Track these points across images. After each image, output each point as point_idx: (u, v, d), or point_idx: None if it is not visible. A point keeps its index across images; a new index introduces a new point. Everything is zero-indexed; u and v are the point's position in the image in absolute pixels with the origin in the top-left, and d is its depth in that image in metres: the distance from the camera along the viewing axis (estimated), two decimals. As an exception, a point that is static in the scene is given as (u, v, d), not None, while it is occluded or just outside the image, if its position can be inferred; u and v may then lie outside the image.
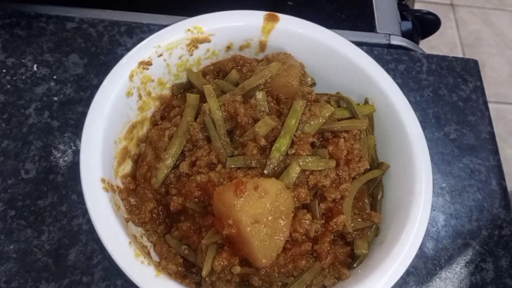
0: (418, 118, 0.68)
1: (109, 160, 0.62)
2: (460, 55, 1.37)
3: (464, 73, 0.92)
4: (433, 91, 0.89)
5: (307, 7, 0.98)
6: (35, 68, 0.81)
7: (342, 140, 0.63)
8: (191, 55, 0.71)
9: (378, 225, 0.65)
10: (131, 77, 0.65)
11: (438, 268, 0.74)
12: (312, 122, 0.63)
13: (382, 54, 0.91)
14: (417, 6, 1.32)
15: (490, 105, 0.90)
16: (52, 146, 0.75)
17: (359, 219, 0.64)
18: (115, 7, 0.90)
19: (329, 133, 0.65)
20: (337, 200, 0.62)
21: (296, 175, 0.59)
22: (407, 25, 1.01)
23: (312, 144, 0.63)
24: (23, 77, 0.80)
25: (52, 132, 0.76)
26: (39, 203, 0.70)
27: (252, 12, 0.71)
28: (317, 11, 0.98)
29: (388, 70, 0.89)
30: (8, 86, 0.79)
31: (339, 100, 0.70)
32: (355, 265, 0.62)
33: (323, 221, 0.61)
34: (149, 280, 0.54)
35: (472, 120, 0.87)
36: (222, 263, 0.56)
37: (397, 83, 0.71)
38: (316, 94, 0.68)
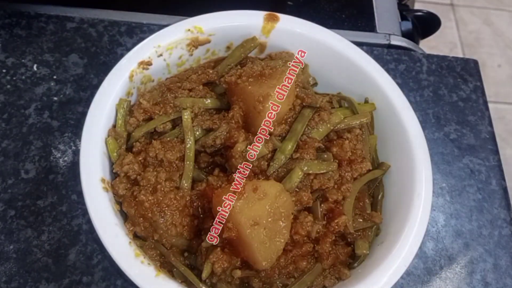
0: (418, 118, 0.68)
1: (109, 160, 0.62)
2: (460, 55, 1.37)
3: (464, 73, 0.92)
4: (433, 91, 0.89)
5: (307, 7, 0.98)
6: (35, 68, 0.81)
7: (347, 142, 0.63)
8: (191, 55, 0.71)
9: (379, 225, 0.65)
10: (131, 77, 0.65)
11: (438, 268, 0.74)
12: (320, 129, 0.63)
13: (382, 54, 0.91)
14: (417, 6, 1.32)
15: (490, 105, 0.90)
16: (52, 146, 0.75)
17: (360, 220, 0.64)
18: (115, 7, 0.90)
19: (333, 134, 0.65)
20: (338, 201, 0.62)
21: (298, 179, 0.59)
22: (407, 25, 1.00)
23: (318, 149, 0.63)
24: (23, 77, 0.80)
25: (52, 132, 0.76)
26: (39, 203, 0.70)
27: (252, 12, 0.71)
28: (317, 11, 0.98)
29: (388, 70, 0.89)
30: (8, 86, 0.79)
31: (340, 100, 0.70)
32: (355, 265, 0.62)
33: (324, 222, 0.61)
34: (149, 280, 0.54)
35: (472, 120, 0.87)
36: (222, 265, 0.56)
37: (397, 83, 0.71)
38: (317, 94, 0.68)
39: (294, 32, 0.71)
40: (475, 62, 0.94)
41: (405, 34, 0.98)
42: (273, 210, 0.54)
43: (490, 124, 0.87)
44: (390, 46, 0.94)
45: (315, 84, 0.74)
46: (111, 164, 0.62)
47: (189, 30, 0.69)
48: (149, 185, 0.59)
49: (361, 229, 0.64)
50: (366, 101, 0.71)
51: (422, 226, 0.60)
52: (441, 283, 0.73)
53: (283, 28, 0.71)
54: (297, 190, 0.60)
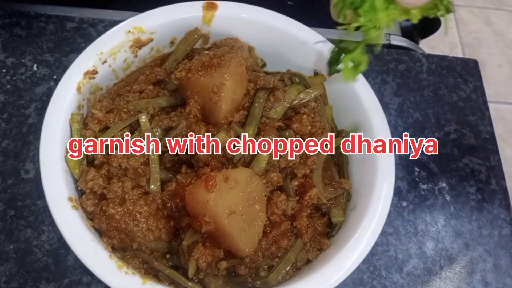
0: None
1: (73, 177, 0.61)
2: (460, 55, 1.37)
3: (464, 73, 0.92)
4: (433, 91, 0.89)
5: (307, 7, 0.98)
6: (35, 68, 0.81)
7: (304, 116, 0.64)
8: (136, 56, 0.70)
9: (349, 191, 0.66)
10: (79, 89, 0.63)
11: (438, 268, 0.74)
12: (277, 108, 0.64)
13: (382, 54, 0.91)
14: (417, 6, 1.31)
15: (490, 105, 0.90)
16: (52, 146, 0.74)
17: (331, 189, 0.65)
18: (115, 7, 0.90)
19: (291, 111, 0.66)
20: (307, 175, 0.63)
21: (265, 161, 0.59)
22: (407, 25, 1.01)
23: (278, 128, 0.64)
24: (23, 77, 0.80)
25: (52, 132, 0.76)
26: (39, 203, 0.70)
27: (190, 3, 0.70)
28: (317, 11, 0.97)
29: (388, 70, 0.89)
30: (8, 86, 0.79)
31: (291, 77, 0.71)
32: (334, 234, 0.63)
33: (297, 198, 0.62)
34: None
35: (472, 120, 0.87)
36: (206, 259, 0.56)
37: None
38: (268, 74, 0.68)
39: (235, 17, 0.70)
40: (475, 62, 0.94)
41: (405, 34, 0.98)
42: (246, 195, 0.55)
43: (490, 124, 0.87)
44: (390, 46, 0.94)
45: (264, 65, 0.74)
46: (76, 181, 0.61)
47: (129, 31, 0.67)
48: (116, 197, 0.58)
49: (333, 198, 0.65)
50: (316, 73, 0.71)
51: (390, 180, 0.61)
52: (441, 283, 0.73)
53: (223, 15, 0.70)
54: (266, 172, 0.60)
